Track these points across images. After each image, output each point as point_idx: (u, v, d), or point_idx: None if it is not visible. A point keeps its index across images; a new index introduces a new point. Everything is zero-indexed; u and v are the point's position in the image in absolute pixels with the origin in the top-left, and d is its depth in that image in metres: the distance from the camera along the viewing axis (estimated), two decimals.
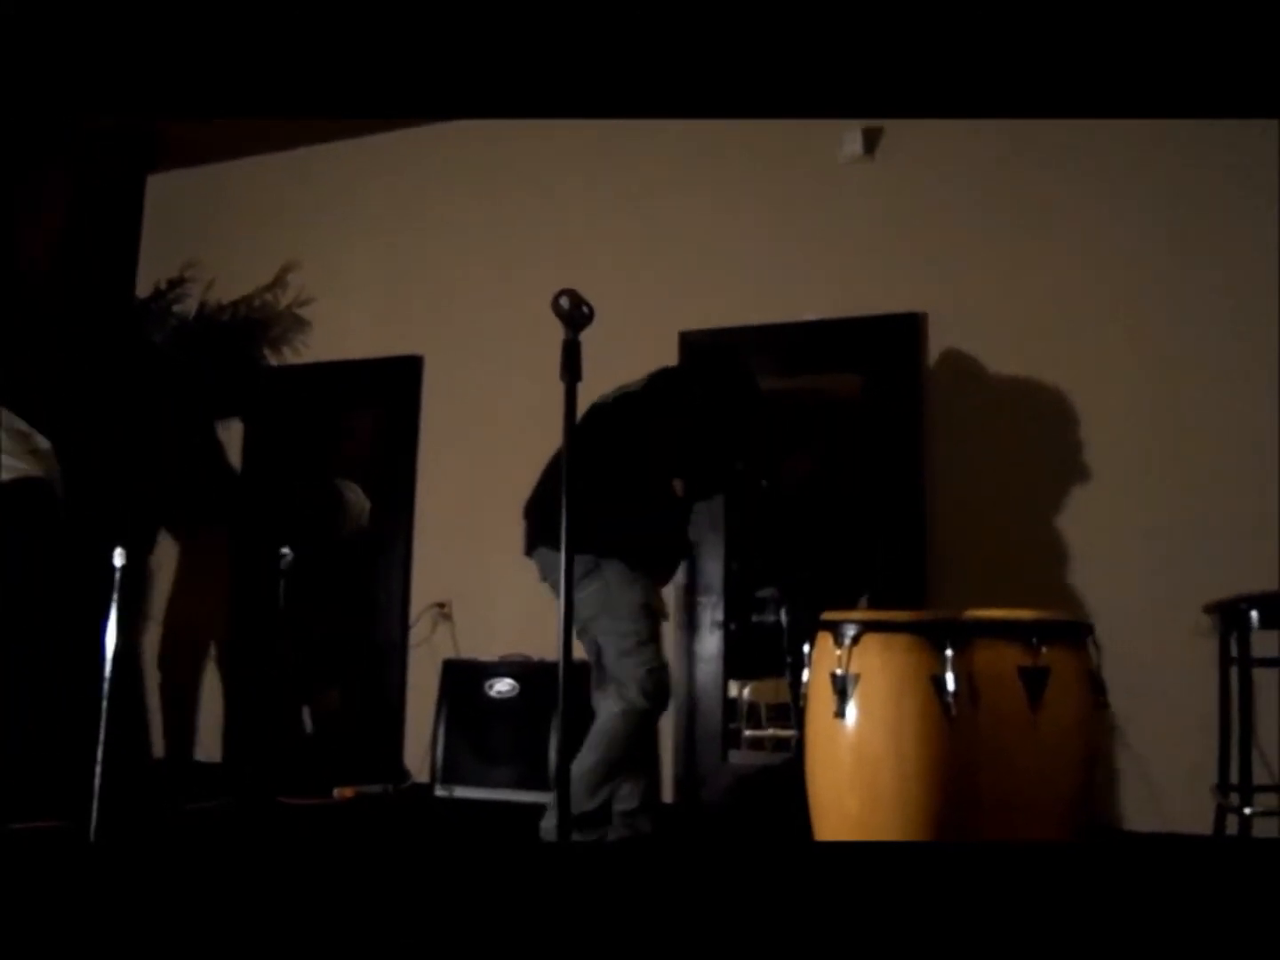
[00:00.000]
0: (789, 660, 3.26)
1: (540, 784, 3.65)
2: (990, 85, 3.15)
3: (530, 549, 3.00)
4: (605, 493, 2.83)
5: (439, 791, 3.91)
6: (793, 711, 2.81)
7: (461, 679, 3.99)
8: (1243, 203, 3.46)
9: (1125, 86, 2.96)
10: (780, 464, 4.36)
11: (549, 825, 2.84)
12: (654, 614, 2.93)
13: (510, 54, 2.92)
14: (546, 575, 2.96)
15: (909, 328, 3.80)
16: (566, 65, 2.97)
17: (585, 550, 2.74)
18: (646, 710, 2.84)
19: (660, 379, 3.10)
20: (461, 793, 3.85)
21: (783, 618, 3.54)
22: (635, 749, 2.86)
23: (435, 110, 4.16)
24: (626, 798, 2.95)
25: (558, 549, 2.68)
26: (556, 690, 3.29)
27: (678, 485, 2.97)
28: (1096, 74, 2.97)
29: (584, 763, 2.81)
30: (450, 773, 3.90)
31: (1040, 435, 3.62)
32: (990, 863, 1.82)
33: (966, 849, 2.12)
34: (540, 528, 2.95)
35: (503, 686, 3.89)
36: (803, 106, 3.59)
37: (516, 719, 3.84)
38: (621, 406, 3.02)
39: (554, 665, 3.47)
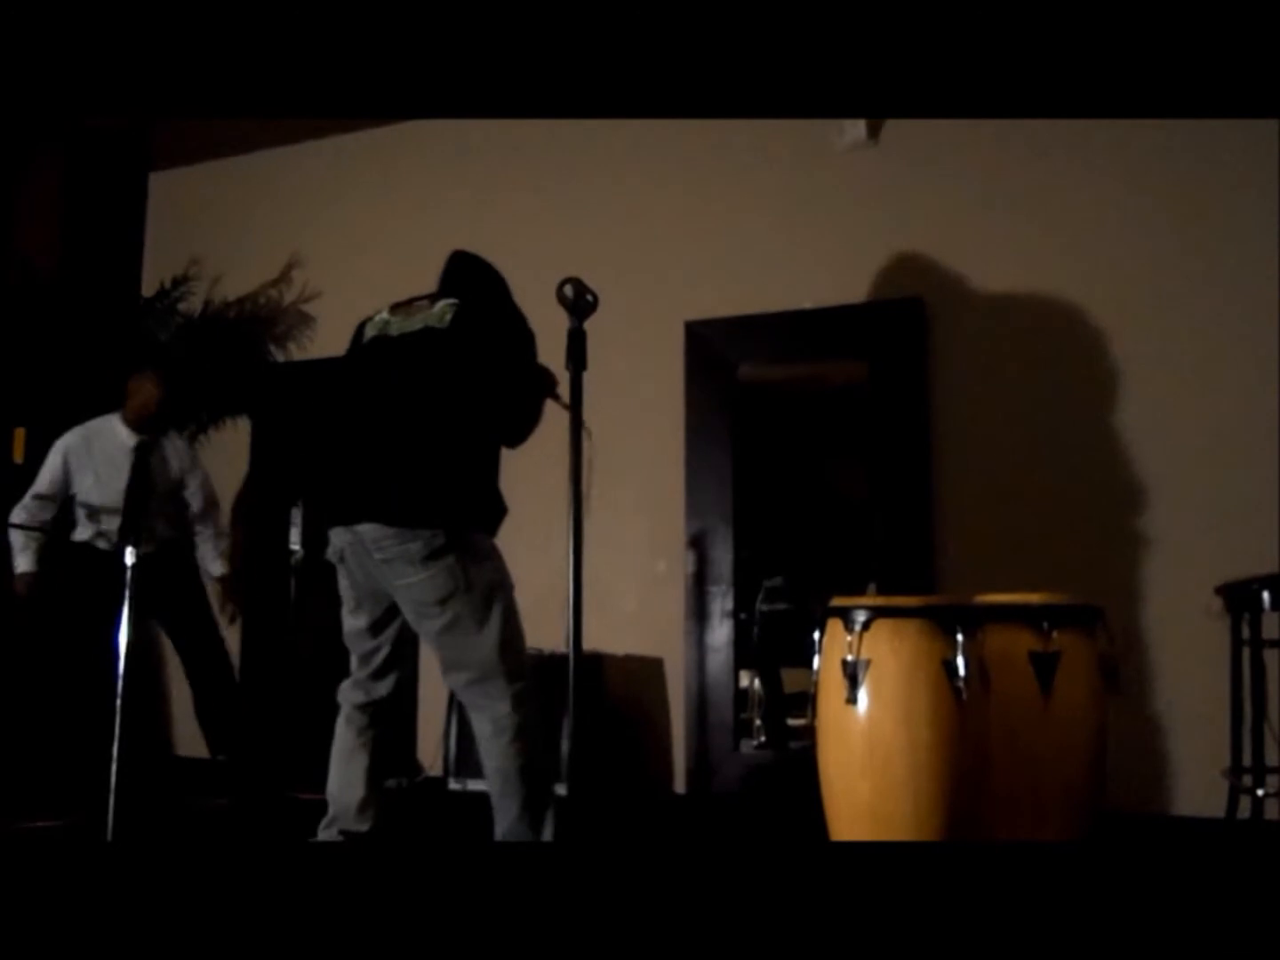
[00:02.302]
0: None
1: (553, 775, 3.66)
2: (989, 85, 3.16)
3: (343, 521, 2.51)
4: (433, 452, 2.43)
5: (453, 785, 3.92)
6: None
7: None
8: (1241, 181, 3.44)
9: (1125, 86, 2.96)
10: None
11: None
12: (509, 589, 2.53)
13: (503, 55, 2.93)
14: (373, 552, 2.45)
15: (914, 312, 3.79)
16: (563, 66, 2.97)
17: (432, 524, 2.39)
18: (524, 717, 2.44)
19: (471, 309, 2.61)
20: (475, 785, 3.86)
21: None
22: (541, 752, 2.49)
23: (437, 110, 4.17)
24: (358, 819, 2.62)
25: (398, 525, 2.39)
26: (566, 681, 3.26)
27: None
28: (1096, 74, 2.97)
29: (509, 814, 2.46)
30: (463, 766, 3.91)
31: (1047, 418, 3.61)
32: (1000, 860, 1.82)
33: (976, 848, 2.12)
34: (369, 497, 2.47)
35: None
36: (801, 106, 3.60)
37: None
38: (430, 344, 2.54)
39: (562, 657, 3.47)
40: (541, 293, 2.29)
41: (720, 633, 3.98)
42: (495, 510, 2.56)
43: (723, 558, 3.99)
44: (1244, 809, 2.75)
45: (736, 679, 4.01)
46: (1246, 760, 2.72)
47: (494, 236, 4.54)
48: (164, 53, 2.82)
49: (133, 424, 3.80)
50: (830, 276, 3.94)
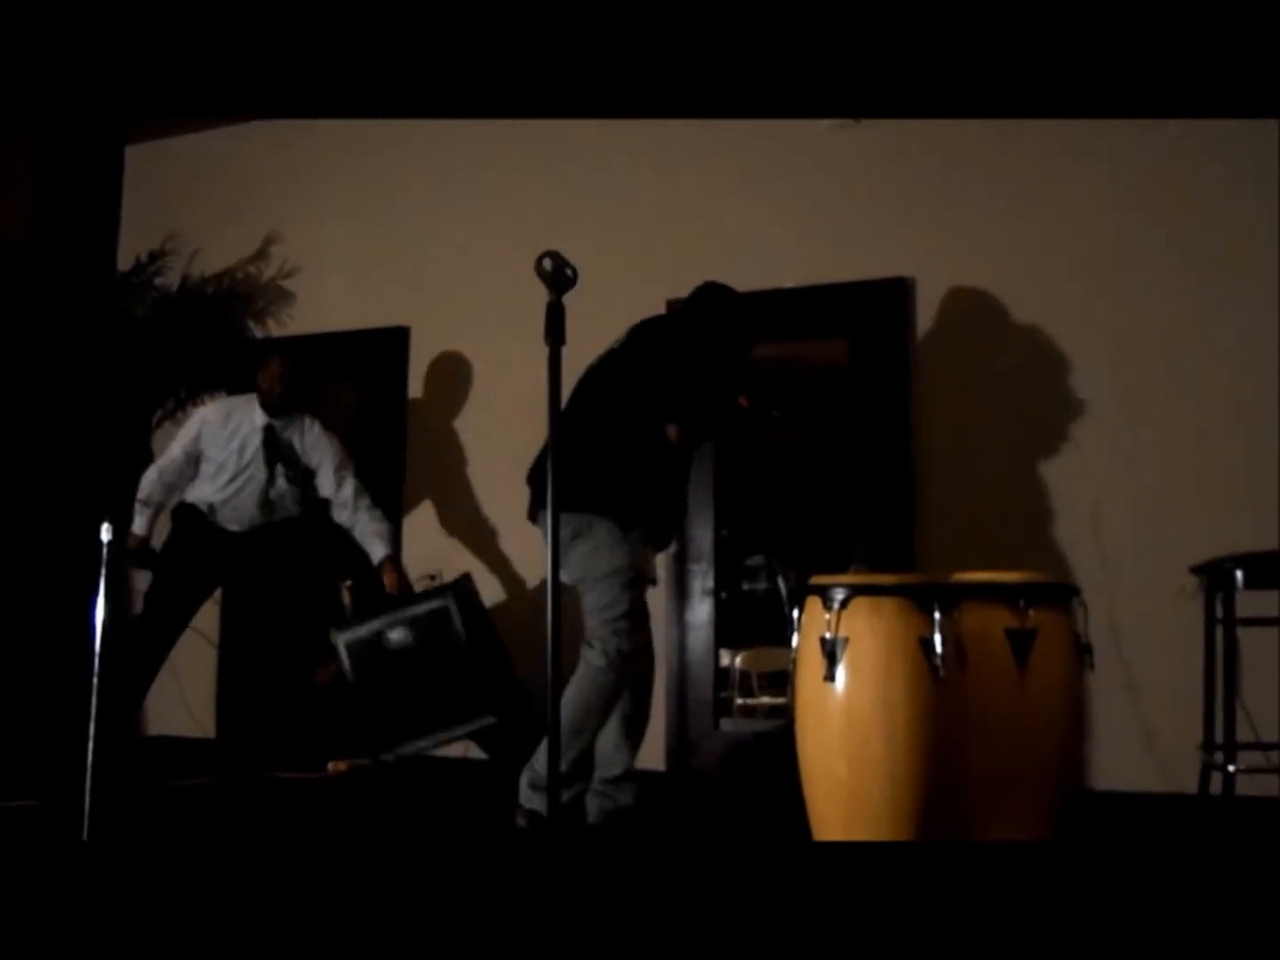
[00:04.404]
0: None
1: (466, 713, 3.69)
2: (987, 85, 3.16)
3: (533, 516, 2.98)
4: (596, 449, 2.82)
5: (385, 758, 3.89)
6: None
7: (362, 646, 3.91)
8: (1234, 163, 3.45)
9: (1124, 86, 2.97)
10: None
11: (527, 788, 2.84)
12: (639, 578, 2.87)
13: (486, 58, 2.92)
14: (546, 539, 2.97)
15: (897, 292, 3.79)
16: (549, 68, 2.97)
17: (577, 508, 2.75)
18: (612, 679, 2.80)
19: (642, 327, 3.04)
20: (408, 750, 3.84)
21: (781, 585, 3.49)
22: (597, 714, 2.82)
23: (429, 111, 4.17)
24: (610, 764, 2.89)
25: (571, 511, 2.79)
26: (444, 622, 3.67)
27: (672, 432, 2.90)
28: (1096, 75, 2.98)
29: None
30: (387, 738, 3.85)
31: (1027, 399, 3.63)
32: (974, 859, 1.83)
33: (953, 846, 2.13)
34: (537, 493, 2.95)
35: (396, 636, 3.89)
36: (792, 106, 3.62)
37: (421, 660, 3.80)
38: (606, 363, 2.98)
39: (426, 595, 3.80)
40: (521, 268, 2.27)
41: (700, 611, 3.99)
42: (650, 502, 2.87)
43: (703, 536, 4.00)
44: (1215, 784, 2.79)
45: (717, 657, 4.02)
46: (1219, 736, 2.76)
47: (475, 213, 4.52)
48: (155, 51, 2.80)
49: (263, 406, 3.93)
50: (813, 255, 3.93)
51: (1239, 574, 2.65)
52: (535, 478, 2.99)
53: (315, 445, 3.95)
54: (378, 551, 3.90)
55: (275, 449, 3.91)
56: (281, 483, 3.92)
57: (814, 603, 2.40)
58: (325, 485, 3.95)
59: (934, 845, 2.21)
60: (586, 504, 2.78)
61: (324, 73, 3.47)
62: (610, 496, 2.83)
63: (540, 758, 2.83)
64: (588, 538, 2.82)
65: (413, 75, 3.63)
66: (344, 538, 4.15)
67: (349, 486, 3.95)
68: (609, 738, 2.92)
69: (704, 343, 3.00)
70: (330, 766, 4.02)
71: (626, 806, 2.87)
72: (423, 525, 4.44)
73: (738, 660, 4.52)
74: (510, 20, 2.83)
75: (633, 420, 2.87)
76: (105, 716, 2.78)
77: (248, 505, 3.91)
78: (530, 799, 2.83)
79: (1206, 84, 3.03)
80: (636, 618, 2.86)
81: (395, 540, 4.13)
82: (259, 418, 3.94)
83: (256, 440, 3.91)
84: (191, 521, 3.93)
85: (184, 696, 4.42)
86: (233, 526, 3.94)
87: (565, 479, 2.73)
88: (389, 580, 3.86)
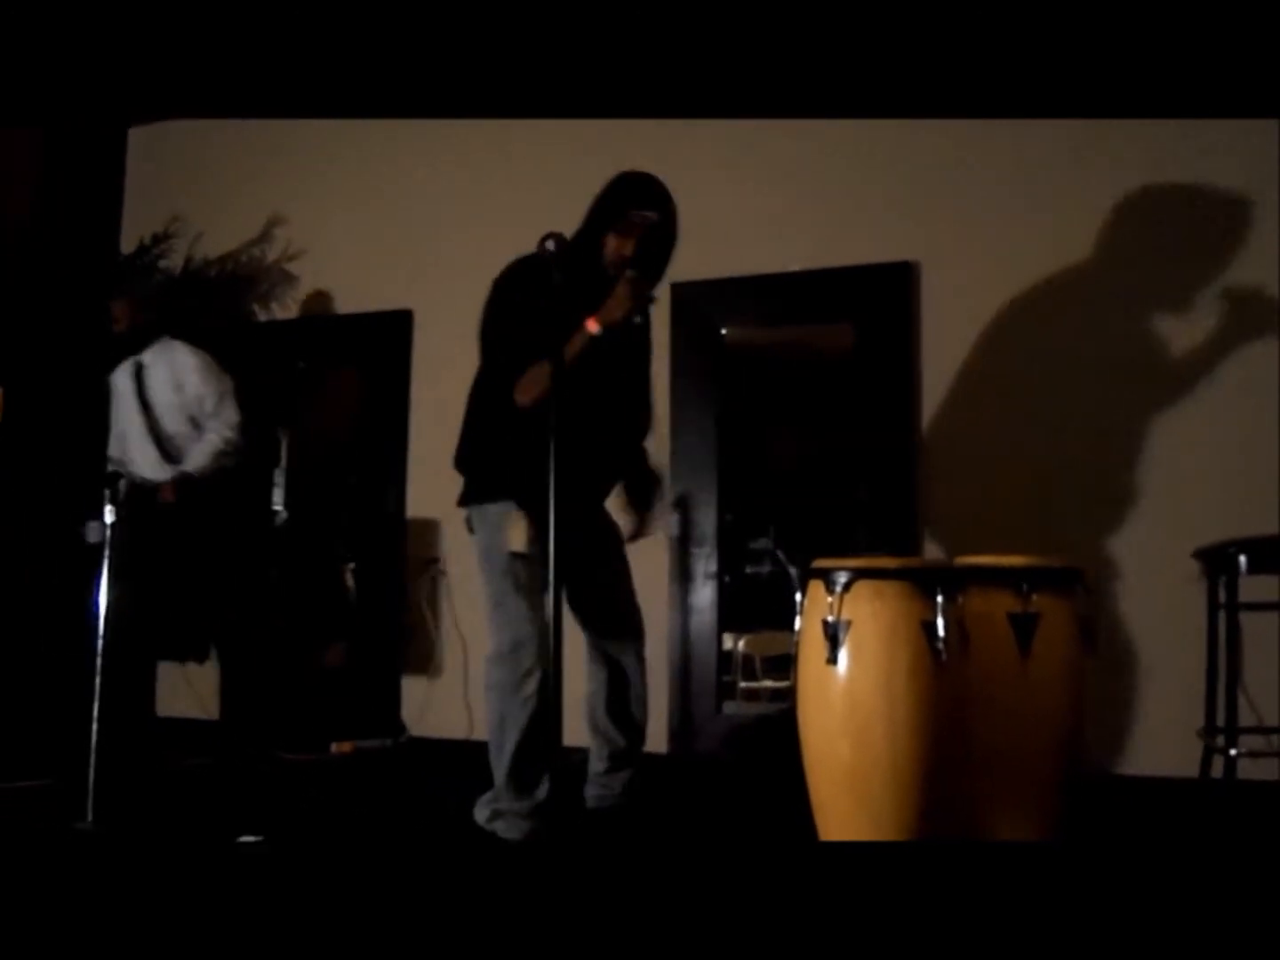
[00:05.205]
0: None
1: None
2: (989, 85, 3.15)
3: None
4: (472, 434, 2.70)
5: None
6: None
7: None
8: (1239, 145, 3.42)
9: (1124, 87, 2.96)
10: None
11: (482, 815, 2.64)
12: (512, 559, 2.53)
13: (486, 60, 2.91)
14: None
15: (901, 276, 3.77)
16: (551, 68, 2.95)
17: (464, 503, 2.68)
18: (504, 673, 2.53)
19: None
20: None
21: (790, 568, 3.42)
22: (510, 714, 2.52)
23: (434, 112, 4.17)
24: (597, 758, 2.79)
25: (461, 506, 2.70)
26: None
27: (518, 394, 2.52)
28: (1097, 75, 2.97)
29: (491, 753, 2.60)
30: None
31: (1032, 383, 3.61)
32: (971, 860, 1.83)
33: (953, 847, 2.14)
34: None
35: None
36: (793, 107, 3.61)
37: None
38: None
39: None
40: (526, 251, 2.27)
41: (704, 595, 3.99)
42: (499, 478, 2.60)
43: (707, 520, 4.00)
44: (1216, 769, 2.79)
45: (720, 641, 4.03)
46: (1221, 721, 2.76)
47: (478, 194, 4.50)
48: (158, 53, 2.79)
49: (123, 350, 3.90)
50: (817, 239, 3.91)
51: (1242, 559, 2.65)
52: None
53: (184, 367, 3.84)
54: (184, 464, 3.77)
55: (139, 387, 3.84)
56: (167, 421, 3.82)
57: (816, 586, 2.40)
58: (205, 403, 3.84)
59: (933, 844, 2.22)
60: (463, 495, 2.67)
61: (325, 74, 3.47)
62: (474, 482, 2.66)
63: (489, 793, 2.64)
64: (473, 531, 2.67)
65: (413, 78, 3.62)
66: (343, 528, 4.13)
67: (210, 401, 3.83)
68: (594, 736, 2.80)
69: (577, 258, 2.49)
70: (334, 748, 4.05)
71: (621, 795, 2.79)
72: (425, 509, 4.44)
73: (741, 644, 4.53)
74: (511, 21, 2.82)
75: (482, 394, 2.64)
76: (109, 698, 2.79)
77: (152, 453, 3.81)
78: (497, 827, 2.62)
79: (1206, 84, 3.02)
80: (507, 606, 2.56)
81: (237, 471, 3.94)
82: (125, 364, 3.89)
83: (126, 391, 3.86)
84: (133, 505, 3.84)
85: (188, 678, 4.45)
86: (156, 479, 3.80)
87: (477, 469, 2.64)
88: (164, 490, 3.72)
